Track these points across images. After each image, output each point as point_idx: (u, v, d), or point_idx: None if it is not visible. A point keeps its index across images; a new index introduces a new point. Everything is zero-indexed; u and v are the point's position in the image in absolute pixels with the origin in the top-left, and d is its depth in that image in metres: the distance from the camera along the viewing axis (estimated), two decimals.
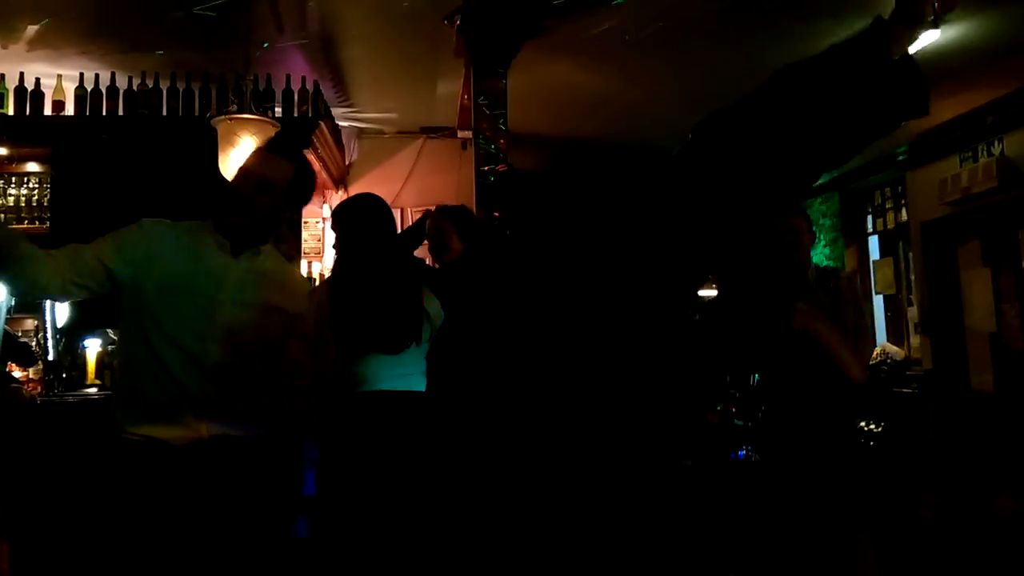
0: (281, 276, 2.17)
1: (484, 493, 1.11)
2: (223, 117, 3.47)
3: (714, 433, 3.99)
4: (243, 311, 2.02)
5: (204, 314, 1.97)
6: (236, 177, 2.03)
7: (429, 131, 6.15)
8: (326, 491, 2.48)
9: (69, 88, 4.71)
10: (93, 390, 4.00)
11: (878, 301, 7.75)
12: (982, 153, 4.59)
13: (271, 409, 2.11)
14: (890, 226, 7.41)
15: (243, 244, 2.04)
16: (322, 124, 4.87)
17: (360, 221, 2.60)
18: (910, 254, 6.16)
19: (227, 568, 1.96)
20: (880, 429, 4.66)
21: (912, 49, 4.30)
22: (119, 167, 4.65)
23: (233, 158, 3.37)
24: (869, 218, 7.74)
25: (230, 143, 3.38)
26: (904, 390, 5.33)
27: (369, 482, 2.39)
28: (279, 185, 2.00)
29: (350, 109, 5.73)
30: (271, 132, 3.47)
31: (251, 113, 3.52)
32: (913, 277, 6.15)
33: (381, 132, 6.16)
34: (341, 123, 5.90)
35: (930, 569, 4.05)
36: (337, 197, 6.09)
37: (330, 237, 5.94)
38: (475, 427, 1.13)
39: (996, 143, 4.50)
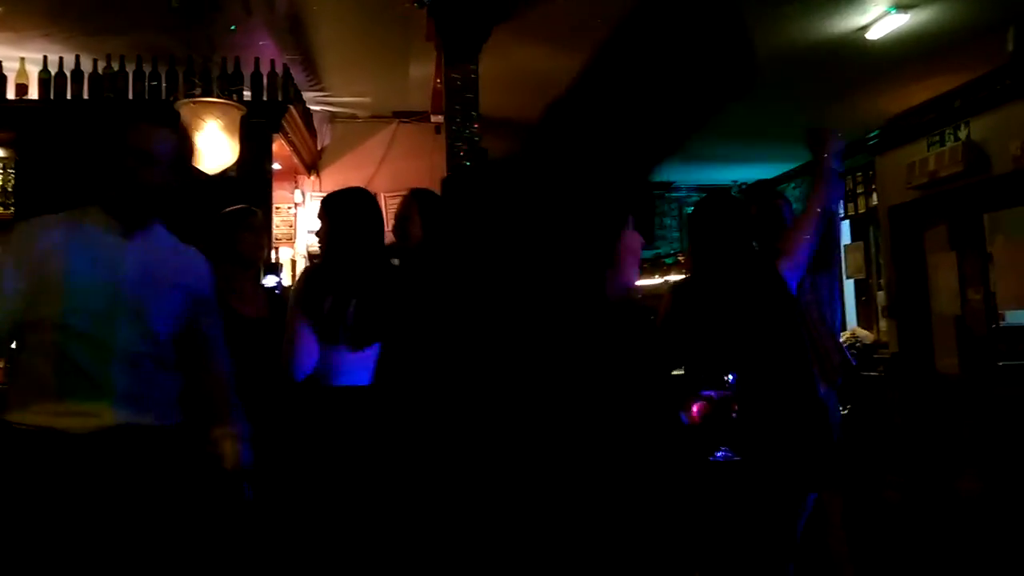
0: (181, 254, 2.13)
1: (435, 490, 1.10)
2: (187, 100, 3.44)
3: (691, 435, 3.91)
4: (146, 291, 1.98)
5: (104, 299, 1.92)
6: (119, 154, 1.96)
7: (402, 115, 6.12)
8: (287, 485, 2.48)
9: (33, 71, 4.65)
10: None
11: (849, 285, 7.83)
12: (949, 137, 4.63)
13: (187, 395, 2.07)
14: (861, 211, 7.48)
15: (135, 223, 1.99)
16: (292, 108, 4.84)
17: (352, 215, 2.60)
18: (880, 238, 6.23)
19: (132, 566, 1.88)
20: (846, 411, 4.71)
21: (877, 35, 4.30)
22: (85, 151, 4.59)
23: (198, 142, 3.33)
24: (841, 203, 7.81)
25: (194, 126, 3.34)
26: (871, 373, 5.39)
27: (325, 477, 2.39)
28: (163, 157, 1.97)
29: (322, 93, 5.67)
30: (236, 115, 3.44)
31: (216, 96, 3.48)
32: (882, 261, 6.23)
33: (354, 116, 6.11)
34: (313, 107, 5.84)
35: (895, 548, 4.13)
36: (309, 182, 6.06)
37: (302, 223, 5.96)
38: (419, 423, 1.12)
39: (963, 127, 4.54)
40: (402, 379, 1.12)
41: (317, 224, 2.68)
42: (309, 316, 2.49)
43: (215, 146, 3.39)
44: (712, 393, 3.31)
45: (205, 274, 2.19)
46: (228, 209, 2.98)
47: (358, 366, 2.49)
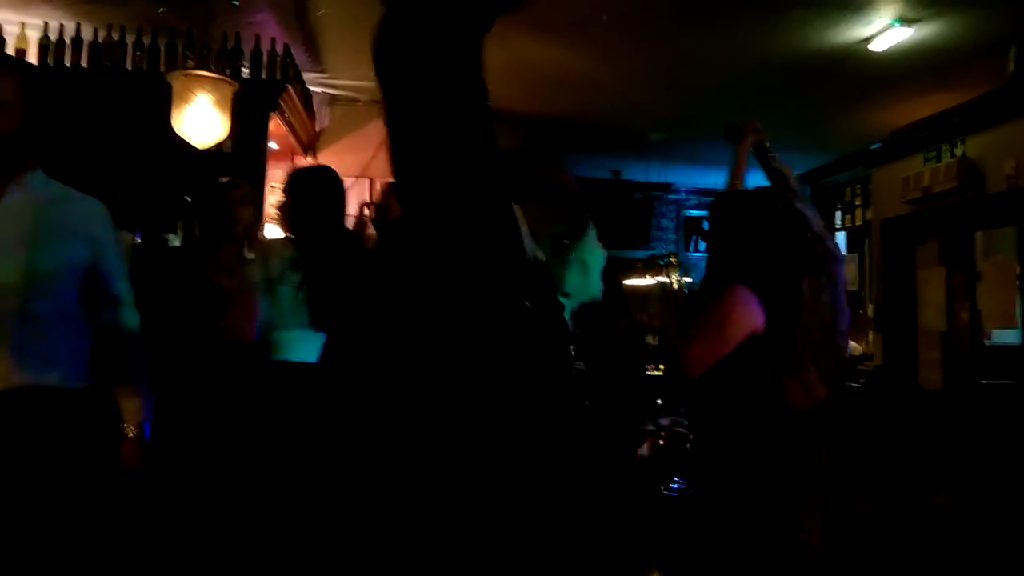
0: (69, 201, 2.00)
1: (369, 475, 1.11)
2: (179, 72, 3.42)
3: (644, 467, 3.80)
4: (28, 244, 1.87)
5: None
6: None
7: None
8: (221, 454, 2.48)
9: (33, 37, 4.62)
10: None
11: None
12: (946, 153, 4.62)
13: (95, 355, 2.00)
14: (858, 223, 7.49)
15: None
16: (290, 87, 4.81)
17: (313, 194, 2.60)
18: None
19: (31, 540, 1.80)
20: None
21: (881, 47, 4.23)
22: (81, 119, 4.58)
23: (187, 114, 3.33)
24: (838, 214, 7.82)
25: (184, 99, 3.34)
26: (854, 384, 5.40)
27: (266, 452, 2.38)
28: (12, 101, 1.84)
29: (322, 74, 5.67)
30: (228, 91, 3.43)
31: (208, 70, 3.47)
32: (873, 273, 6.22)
33: (355, 100, 6.09)
34: (313, 88, 5.83)
35: (864, 560, 4.14)
36: (305, 163, 6.04)
37: None
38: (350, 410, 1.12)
39: (960, 144, 4.53)
40: (340, 365, 1.13)
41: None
42: (268, 291, 2.50)
43: (205, 120, 3.39)
44: (663, 421, 3.20)
45: (99, 220, 2.05)
46: (216, 181, 2.98)
47: (309, 343, 2.48)
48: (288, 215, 2.61)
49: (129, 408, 2.09)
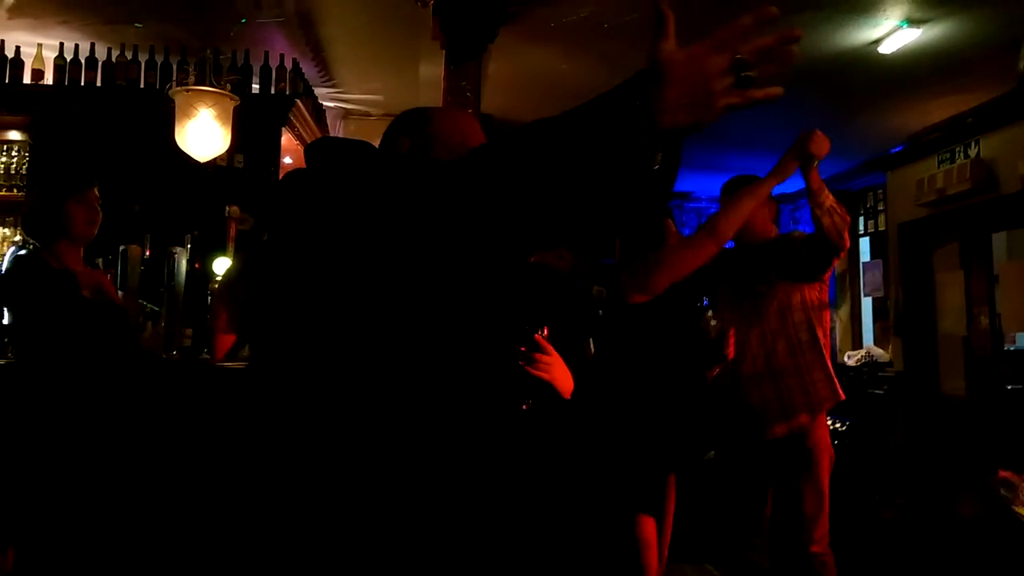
0: None
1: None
2: (181, 88, 3.49)
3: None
4: None
5: None
6: None
7: None
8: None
9: (49, 57, 4.75)
10: None
11: (867, 303, 7.71)
12: (959, 155, 4.52)
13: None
14: (881, 228, 7.36)
15: None
16: (299, 102, 4.87)
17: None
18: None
19: None
20: (845, 428, 4.62)
21: (890, 49, 4.28)
22: (96, 137, 4.69)
23: (190, 130, 3.38)
24: (861, 219, 7.70)
25: (187, 115, 3.39)
26: (876, 391, 5.29)
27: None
28: None
29: (334, 89, 5.74)
30: (229, 105, 3.48)
31: (211, 86, 3.53)
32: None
33: (367, 114, 6.16)
34: (327, 103, 5.90)
35: (890, 569, 4.05)
36: None
37: None
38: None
39: (973, 145, 4.43)
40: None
41: None
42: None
43: (206, 134, 3.44)
44: None
45: None
46: (55, 176, 2.79)
47: None
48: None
49: None
